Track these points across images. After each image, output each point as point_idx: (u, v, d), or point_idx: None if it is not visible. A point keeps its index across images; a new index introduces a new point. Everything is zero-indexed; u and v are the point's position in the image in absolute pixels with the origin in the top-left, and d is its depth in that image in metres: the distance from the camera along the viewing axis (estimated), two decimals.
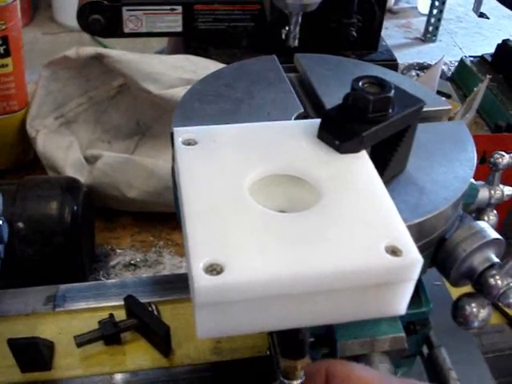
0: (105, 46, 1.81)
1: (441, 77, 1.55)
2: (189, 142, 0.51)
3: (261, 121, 0.57)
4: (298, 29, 0.92)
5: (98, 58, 1.24)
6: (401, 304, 0.45)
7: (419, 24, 2.49)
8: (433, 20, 2.35)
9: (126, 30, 1.30)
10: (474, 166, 0.61)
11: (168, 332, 0.80)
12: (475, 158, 0.62)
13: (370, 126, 0.51)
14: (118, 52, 1.24)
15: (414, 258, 0.42)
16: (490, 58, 1.58)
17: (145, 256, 1.22)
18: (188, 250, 0.42)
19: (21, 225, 0.99)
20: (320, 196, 0.47)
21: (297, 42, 0.92)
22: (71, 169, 1.20)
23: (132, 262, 1.20)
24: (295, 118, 0.64)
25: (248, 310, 0.42)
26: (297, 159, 0.50)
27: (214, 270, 0.40)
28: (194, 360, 0.81)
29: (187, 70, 1.22)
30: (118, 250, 1.22)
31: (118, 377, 0.80)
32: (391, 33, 2.47)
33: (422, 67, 1.60)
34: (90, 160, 1.22)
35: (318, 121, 0.53)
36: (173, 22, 1.30)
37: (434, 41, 2.38)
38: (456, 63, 1.68)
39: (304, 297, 0.42)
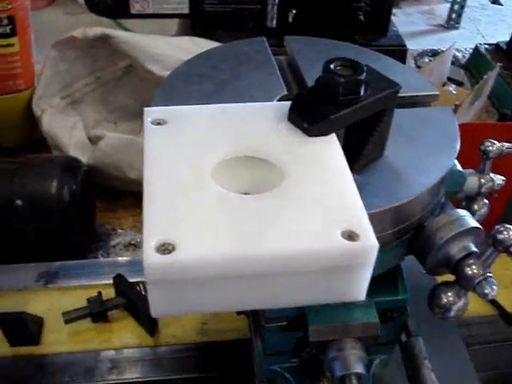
0: (125, 29, 1.81)
1: (454, 63, 1.53)
2: (158, 122, 0.51)
3: (243, 102, 0.57)
4: (275, 9, 0.90)
5: (104, 38, 1.25)
6: (359, 290, 0.44)
7: (442, 11, 2.45)
8: (456, 7, 2.31)
9: (133, 11, 1.31)
10: (455, 153, 0.59)
11: None
12: (458, 144, 0.60)
13: (340, 108, 0.50)
14: (123, 33, 1.25)
15: (370, 243, 0.42)
16: (505, 46, 1.54)
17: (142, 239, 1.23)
18: (143, 228, 0.42)
19: (19, 202, 1.00)
20: (282, 178, 0.46)
21: (275, 22, 0.91)
22: (75, 148, 1.21)
23: (132, 242, 1.21)
24: (278, 101, 0.63)
25: (200, 290, 0.42)
26: (265, 141, 0.50)
27: (166, 249, 0.40)
28: (179, 340, 0.82)
29: (191, 52, 1.21)
30: (119, 230, 1.23)
31: (104, 354, 0.81)
32: (414, 19, 2.44)
33: (435, 54, 1.58)
34: (94, 140, 1.23)
35: (290, 103, 0.52)
36: (180, 3, 1.30)
37: (456, 28, 2.34)
38: (472, 51, 1.65)
39: (256, 279, 0.41)
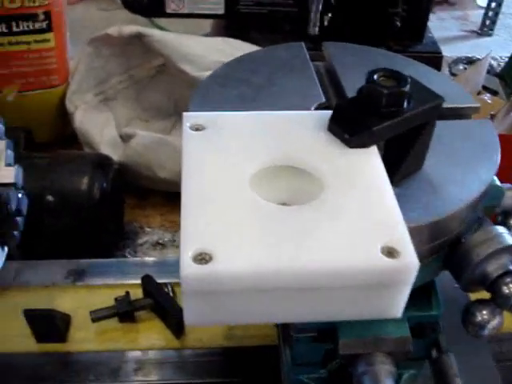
0: (160, 28, 1.81)
1: (489, 72, 1.50)
2: (197, 128, 0.51)
3: (279, 109, 0.56)
4: (318, 16, 0.89)
5: (139, 36, 1.25)
6: (396, 307, 0.43)
7: (476, 17, 2.41)
8: (490, 13, 2.27)
9: (168, 10, 1.31)
10: (495, 167, 0.58)
11: (181, 314, 0.80)
12: (498, 158, 0.59)
13: (382, 120, 0.49)
14: (158, 32, 1.25)
15: (410, 261, 0.41)
16: None
17: (173, 236, 1.23)
18: (181, 237, 0.42)
19: (50, 198, 1.01)
20: (322, 190, 0.45)
21: (317, 29, 0.90)
22: (106, 146, 1.21)
23: (160, 241, 1.21)
24: (315, 109, 0.62)
25: (235, 301, 0.41)
26: (304, 151, 0.49)
27: (203, 258, 0.40)
28: (205, 344, 0.82)
29: (225, 53, 1.21)
30: (147, 229, 1.23)
31: (130, 354, 0.81)
32: (447, 24, 2.41)
33: (470, 61, 1.55)
34: (125, 138, 1.24)
35: (330, 113, 0.52)
36: (215, 3, 1.30)
37: (490, 35, 2.30)
38: (507, 59, 1.62)
39: (291, 292, 0.41)
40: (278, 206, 0.44)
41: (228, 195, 0.44)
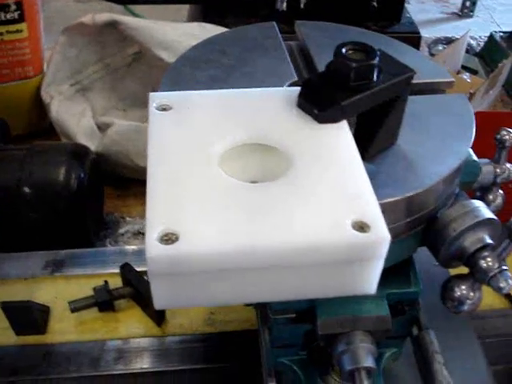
0: (136, 16, 1.79)
1: (469, 52, 1.50)
2: (163, 108, 0.50)
3: (251, 88, 0.55)
4: None
5: (113, 24, 1.23)
6: (370, 283, 0.43)
7: None
8: None
9: None
10: (470, 142, 0.57)
11: None
12: (473, 133, 0.58)
13: (351, 94, 0.48)
14: (132, 19, 1.23)
15: (382, 234, 0.40)
16: None
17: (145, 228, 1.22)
18: (146, 217, 0.40)
19: (27, 189, 1.00)
20: (292, 167, 0.45)
21: (285, 5, 0.89)
22: (83, 136, 1.20)
23: (141, 230, 1.20)
24: (288, 86, 0.61)
25: (204, 282, 0.40)
26: (273, 128, 0.48)
27: (169, 239, 0.39)
28: (186, 330, 0.81)
29: (201, 38, 1.19)
30: (128, 219, 1.22)
31: (111, 343, 0.80)
32: (428, 7, 2.40)
33: (450, 41, 1.55)
34: (103, 127, 1.22)
35: (299, 89, 0.50)
36: None
37: (471, 16, 2.30)
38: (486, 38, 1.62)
39: (262, 271, 0.40)
40: (246, 184, 0.43)
41: (195, 174, 0.43)
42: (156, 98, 0.50)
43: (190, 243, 0.39)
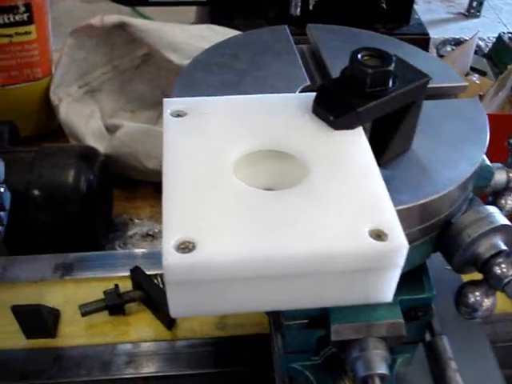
0: (144, 17, 1.79)
1: (477, 53, 1.49)
2: (178, 114, 0.49)
3: (263, 93, 0.55)
4: None
5: (122, 26, 1.23)
6: (386, 291, 0.42)
7: None
8: None
9: None
10: (485, 147, 0.57)
11: None
12: (487, 138, 0.58)
13: (367, 101, 0.48)
14: (141, 21, 1.23)
15: (399, 243, 0.40)
16: None
17: (162, 236, 1.22)
18: (163, 226, 0.40)
19: (36, 192, 1.00)
20: (307, 174, 0.44)
21: (299, 10, 0.89)
22: (92, 138, 1.20)
23: (150, 232, 1.20)
24: (300, 91, 0.61)
25: (220, 291, 0.40)
26: (288, 134, 0.48)
27: (186, 247, 0.39)
28: (196, 334, 0.81)
29: (210, 40, 1.19)
30: (137, 221, 1.22)
31: (121, 347, 0.80)
32: (434, 7, 2.39)
33: (458, 42, 1.54)
34: (111, 129, 1.22)
35: (315, 95, 0.50)
36: None
37: (477, 16, 2.29)
38: (494, 40, 1.62)
39: (279, 280, 0.40)
40: (263, 192, 0.43)
41: (211, 182, 0.43)
42: (170, 104, 0.50)
43: (207, 252, 0.38)
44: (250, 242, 0.39)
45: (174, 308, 0.41)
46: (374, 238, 0.40)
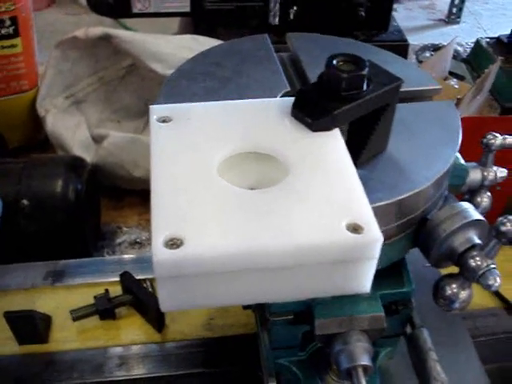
0: (127, 28, 1.82)
1: (456, 58, 1.53)
2: (163, 120, 0.52)
3: (246, 99, 0.57)
4: (277, 6, 0.91)
5: (106, 38, 1.25)
6: (364, 282, 0.45)
7: (443, 5, 2.45)
8: (457, 1, 2.29)
9: (135, 11, 1.31)
10: (457, 146, 0.60)
11: None
12: (460, 138, 0.61)
13: (343, 104, 0.50)
14: (125, 32, 1.25)
15: (374, 235, 0.42)
16: (506, 40, 1.54)
17: (151, 234, 1.23)
18: (151, 224, 0.43)
19: (25, 202, 1.01)
20: (287, 173, 0.47)
21: (277, 19, 0.91)
22: (79, 148, 1.22)
23: (138, 240, 1.22)
24: (281, 97, 0.64)
25: (208, 284, 0.42)
26: (269, 137, 0.50)
27: (174, 244, 0.41)
28: (186, 336, 0.83)
29: (194, 50, 1.21)
30: (125, 229, 1.24)
31: (112, 350, 0.82)
32: (414, 14, 2.44)
33: (437, 48, 1.58)
34: (98, 139, 1.24)
35: (293, 99, 0.53)
36: (181, 2, 1.31)
37: (457, 22, 2.33)
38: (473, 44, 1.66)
39: (263, 272, 0.42)
40: (245, 190, 0.45)
41: (196, 182, 0.46)
42: (156, 111, 0.52)
43: (194, 247, 0.41)
44: (234, 236, 0.41)
45: (164, 302, 0.43)
46: (351, 232, 0.42)
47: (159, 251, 0.40)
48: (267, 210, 0.43)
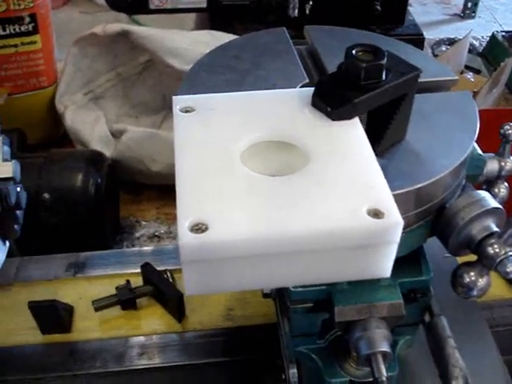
0: (142, 25, 1.83)
1: (471, 52, 1.53)
2: (186, 110, 0.53)
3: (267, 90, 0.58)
4: None
5: (124, 34, 1.27)
6: (384, 266, 0.46)
7: (458, 0, 2.44)
8: None
9: (152, 7, 1.33)
10: (475, 135, 0.60)
11: (181, 298, 0.83)
12: (477, 127, 0.61)
13: (362, 93, 0.51)
14: (142, 28, 1.27)
15: (395, 220, 0.43)
16: None
17: (169, 228, 1.25)
18: (177, 210, 0.44)
19: (46, 195, 1.03)
20: (308, 161, 0.48)
21: (296, 11, 0.92)
22: (98, 143, 1.23)
23: (156, 233, 1.23)
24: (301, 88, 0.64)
25: (232, 268, 0.43)
26: (290, 126, 0.51)
27: (199, 228, 0.42)
28: (206, 326, 0.84)
29: (210, 45, 1.23)
30: (143, 222, 1.26)
31: (134, 340, 0.83)
32: (429, 9, 2.43)
33: (452, 42, 1.58)
34: (116, 134, 1.26)
35: (313, 89, 0.54)
36: None
37: (473, 17, 2.33)
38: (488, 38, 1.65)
39: (286, 256, 0.43)
40: (268, 177, 0.46)
41: (220, 169, 0.47)
42: (179, 101, 0.53)
43: (219, 231, 0.42)
44: (258, 221, 0.42)
45: (189, 286, 0.44)
46: (372, 217, 0.43)
47: (184, 235, 0.41)
48: (290, 196, 0.44)
